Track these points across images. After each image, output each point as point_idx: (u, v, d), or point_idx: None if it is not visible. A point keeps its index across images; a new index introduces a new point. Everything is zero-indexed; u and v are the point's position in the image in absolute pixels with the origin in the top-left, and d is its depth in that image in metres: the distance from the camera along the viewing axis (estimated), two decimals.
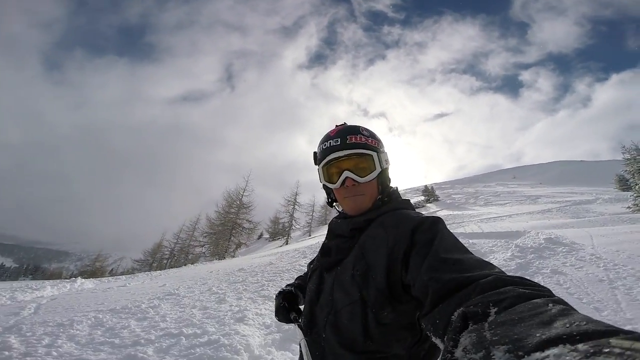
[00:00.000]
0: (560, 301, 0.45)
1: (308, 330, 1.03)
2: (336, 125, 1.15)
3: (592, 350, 0.30)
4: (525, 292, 0.49)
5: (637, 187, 11.70)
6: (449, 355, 0.45)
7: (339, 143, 1.04)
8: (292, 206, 34.84)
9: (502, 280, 0.56)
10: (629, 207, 12.09)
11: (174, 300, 5.37)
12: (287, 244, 30.30)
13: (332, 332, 0.96)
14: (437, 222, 0.89)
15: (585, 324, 0.34)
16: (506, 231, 9.82)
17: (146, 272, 13.83)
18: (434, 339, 0.59)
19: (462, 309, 0.52)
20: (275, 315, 1.20)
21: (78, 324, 3.65)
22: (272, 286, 6.46)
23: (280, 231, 39.65)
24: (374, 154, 1.04)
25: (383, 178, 1.08)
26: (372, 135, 1.08)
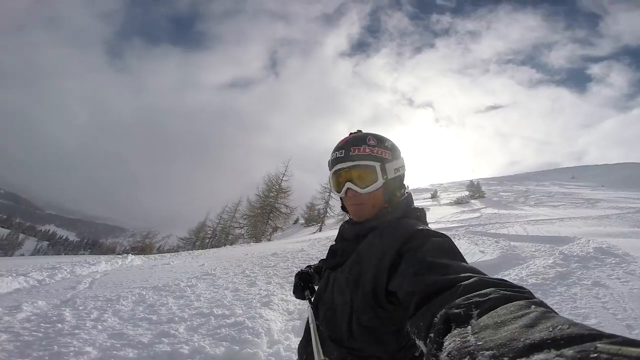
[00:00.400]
0: (541, 303, 0.46)
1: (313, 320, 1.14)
2: (350, 133, 1.18)
3: (578, 356, 0.30)
4: (506, 294, 0.49)
5: None
6: (433, 358, 0.45)
7: (342, 155, 1.09)
8: (328, 193, 35.05)
9: (484, 281, 0.58)
10: None
11: (209, 281, 5.79)
12: (320, 230, 30.75)
13: (326, 327, 1.07)
14: (431, 233, 0.90)
15: (568, 328, 0.34)
16: (553, 236, 9.14)
17: (188, 251, 14.84)
18: (417, 341, 0.60)
19: (444, 310, 0.52)
20: (293, 293, 1.41)
21: (124, 300, 4.11)
22: (299, 266, 6.69)
23: (315, 217, 40.19)
24: (377, 164, 1.06)
25: (390, 188, 1.10)
26: (379, 145, 1.10)
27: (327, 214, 34.87)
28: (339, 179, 1.13)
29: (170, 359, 2.57)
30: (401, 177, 1.15)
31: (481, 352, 0.36)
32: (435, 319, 0.53)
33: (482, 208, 25.75)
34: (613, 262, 5.37)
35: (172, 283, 5.30)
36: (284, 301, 4.67)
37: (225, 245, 27.00)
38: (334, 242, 1.27)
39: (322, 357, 0.87)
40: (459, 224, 14.41)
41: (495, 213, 20.66)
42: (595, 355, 0.29)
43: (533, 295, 0.51)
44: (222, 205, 39.25)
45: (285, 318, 3.94)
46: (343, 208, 1.22)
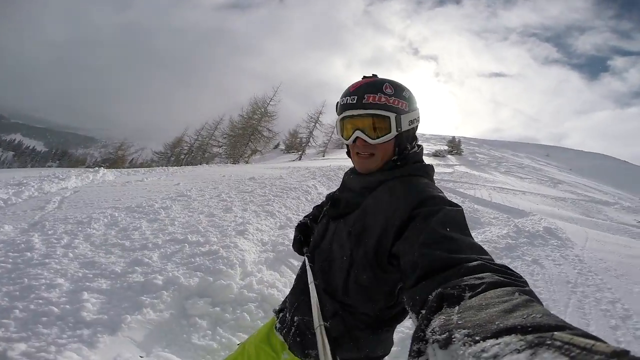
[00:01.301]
0: (529, 292, 0.49)
1: (303, 273, 1.16)
2: (363, 77, 1.08)
3: (536, 342, 0.32)
4: (499, 280, 0.53)
5: None
6: (421, 333, 0.50)
7: (355, 101, 1.01)
8: (314, 124, 34.53)
9: (485, 266, 0.60)
10: (639, 222, 11.65)
11: (184, 203, 5.75)
12: (300, 159, 30.96)
13: (322, 278, 1.08)
14: (445, 202, 0.88)
15: (540, 317, 0.37)
16: (513, 207, 9.82)
17: (163, 167, 14.57)
18: (410, 313, 0.64)
19: (440, 289, 0.56)
20: (292, 246, 1.34)
21: (95, 222, 3.98)
22: (277, 202, 6.69)
23: (296, 145, 40.11)
24: (393, 115, 0.99)
25: (401, 140, 1.04)
26: (397, 94, 1.02)
27: (309, 144, 34.83)
28: (348, 126, 1.07)
29: (143, 290, 2.59)
30: (414, 130, 1.10)
31: (458, 330, 0.41)
32: (430, 296, 0.56)
33: (456, 165, 26.85)
34: (555, 244, 5.75)
35: (146, 204, 5.23)
36: (259, 231, 4.76)
37: (201, 163, 26.79)
38: (334, 191, 1.24)
39: (322, 322, 0.83)
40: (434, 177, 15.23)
41: (467, 172, 21.60)
42: (550, 342, 0.31)
43: (526, 285, 0.54)
44: (202, 121, 38.01)
45: (259, 249, 4.06)
46: (348, 154, 1.14)
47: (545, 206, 12.68)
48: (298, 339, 1.09)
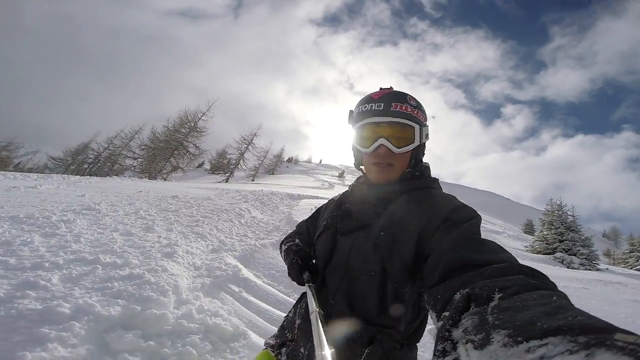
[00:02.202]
0: (564, 296, 0.48)
1: (316, 296, 1.00)
2: (381, 88, 1.06)
3: (593, 342, 0.31)
4: (532, 283, 0.51)
5: (540, 234, 13.74)
6: (447, 333, 0.49)
7: (381, 108, 0.98)
8: (247, 145, 33.61)
9: (513, 268, 0.58)
10: (525, 246, 14.39)
11: (92, 217, 4.81)
12: (227, 181, 29.58)
13: (343, 299, 0.95)
14: (474, 212, 0.88)
15: (587, 319, 0.36)
16: None
17: (63, 175, 12.39)
18: (430, 312, 0.63)
19: (467, 290, 0.54)
20: (289, 274, 1.11)
21: None
22: (207, 223, 6.16)
23: (223, 166, 38.45)
24: (417, 126, 0.99)
25: (418, 152, 1.04)
26: (418, 107, 1.02)
27: (239, 166, 33.68)
28: (370, 133, 1.01)
29: (43, 320, 1.86)
30: (426, 144, 1.10)
31: (497, 331, 0.40)
32: (456, 295, 0.55)
33: None
34: None
35: (40, 215, 4.19)
36: (189, 254, 4.16)
37: (109, 175, 23.59)
38: (346, 204, 1.12)
39: (326, 351, 0.68)
40: None
41: None
42: (610, 342, 0.30)
43: (557, 287, 0.52)
44: (117, 128, 33.91)
45: (192, 274, 3.48)
46: (356, 166, 1.12)
47: None
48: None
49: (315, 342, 0.71)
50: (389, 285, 0.89)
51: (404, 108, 0.98)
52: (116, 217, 5.16)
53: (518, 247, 13.99)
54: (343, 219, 1.07)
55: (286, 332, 1.13)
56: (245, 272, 4.20)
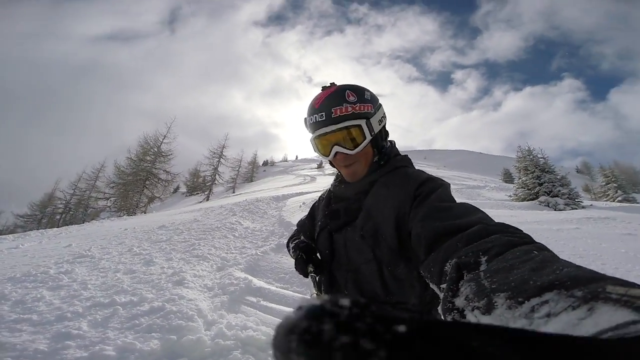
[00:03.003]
0: (544, 247, 0.51)
1: (329, 289, 1.13)
2: (322, 88, 1.07)
3: (589, 296, 0.31)
4: (510, 240, 0.53)
5: (519, 180, 14.15)
6: (450, 304, 0.48)
7: (324, 118, 1.00)
8: (218, 159, 32.91)
9: (488, 228, 0.61)
10: (509, 196, 14.72)
11: (89, 264, 4.74)
12: (207, 199, 29.03)
13: (354, 288, 1.03)
14: (439, 181, 0.95)
15: (574, 271, 0.37)
16: None
17: (39, 231, 11.87)
18: (431, 285, 0.64)
19: (455, 260, 0.56)
20: (295, 267, 1.16)
21: None
22: (203, 245, 6.16)
23: (200, 185, 37.58)
24: (363, 121, 1.00)
25: (377, 140, 1.06)
26: (360, 99, 1.01)
27: (216, 181, 33.01)
28: (323, 143, 1.05)
29: None
30: (384, 126, 1.12)
31: (496, 294, 0.40)
32: (446, 266, 0.57)
33: None
34: None
35: (36, 271, 4.10)
36: (198, 277, 4.22)
37: (84, 221, 22.63)
38: (332, 204, 1.19)
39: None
40: None
41: None
42: (604, 296, 0.30)
43: (533, 240, 0.55)
44: (77, 172, 32.28)
45: (208, 295, 3.56)
46: (332, 165, 1.14)
47: None
48: None
49: None
50: (384, 269, 0.97)
51: (344, 110, 0.99)
52: (112, 259, 5.10)
53: (503, 197, 14.54)
54: (332, 219, 1.13)
55: None
56: (257, 282, 4.30)
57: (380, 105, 1.09)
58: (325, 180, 27.31)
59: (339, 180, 1.17)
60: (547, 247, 0.51)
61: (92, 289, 3.48)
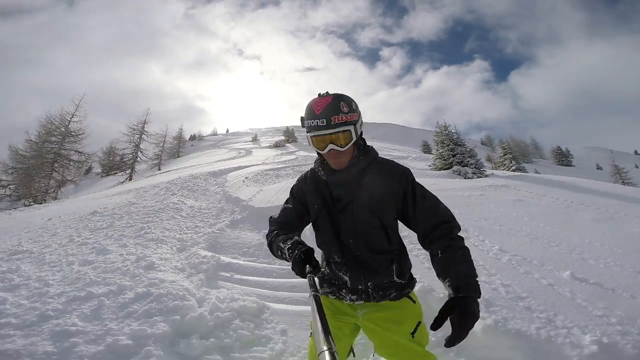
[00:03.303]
0: (464, 246, 1.33)
1: (340, 253, 1.47)
2: (319, 95, 1.37)
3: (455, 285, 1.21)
4: (453, 244, 1.32)
5: (437, 152, 16.08)
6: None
7: (324, 124, 1.31)
8: (139, 135, 29.85)
9: (450, 234, 1.35)
10: (429, 165, 16.72)
11: (33, 260, 4.34)
12: (130, 179, 26.60)
13: (365, 247, 1.45)
14: (408, 170, 1.52)
15: (459, 273, 1.24)
16: None
17: None
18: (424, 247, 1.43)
19: (434, 246, 1.35)
20: (292, 268, 1.28)
21: None
22: (154, 228, 5.98)
23: (118, 164, 33.95)
24: (352, 127, 1.34)
25: (358, 139, 1.42)
26: (350, 110, 1.34)
27: (138, 159, 30.12)
28: (321, 141, 1.38)
29: (120, 357, 2.04)
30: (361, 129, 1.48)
31: (440, 278, 1.30)
32: (431, 249, 1.38)
33: (296, 151, 29.58)
34: None
35: None
36: (165, 260, 4.25)
37: None
38: (330, 189, 1.51)
39: (330, 346, 0.78)
40: (284, 164, 16.48)
41: (307, 155, 24.25)
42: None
43: (462, 239, 1.37)
44: None
45: (184, 275, 3.67)
46: (320, 155, 1.49)
47: None
48: (380, 292, 1.47)
49: (316, 327, 0.87)
50: (387, 229, 1.46)
51: (340, 119, 1.31)
52: (57, 251, 4.71)
53: (423, 167, 16.40)
54: (336, 202, 1.47)
55: (331, 281, 1.55)
56: (224, 258, 4.49)
57: (360, 112, 1.43)
58: (262, 153, 27.16)
59: (328, 169, 1.47)
60: (464, 245, 1.32)
61: (56, 284, 3.31)
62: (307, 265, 1.25)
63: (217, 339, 2.42)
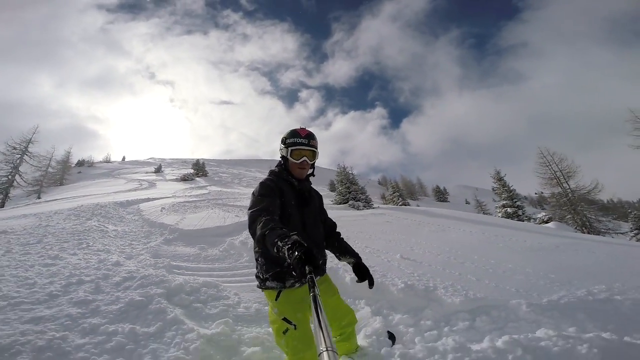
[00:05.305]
0: (341, 239, 2.43)
1: (306, 238, 1.95)
2: (301, 127, 2.13)
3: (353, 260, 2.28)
4: (339, 236, 2.41)
5: (338, 189, 19.99)
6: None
7: (307, 143, 2.05)
8: (20, 156, 25.83)
9: (335, 228, 2.43)
10: (332, 201, 20.48)
11: None
12: (2, 206, 22.79)
13: (318, 236, 2.17)
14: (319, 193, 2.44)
15: (348, 250, 2.34)
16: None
17: None
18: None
19: (334, 238, 2.40)
20: (292, 269, 1.29)
21: None
22: (92, 243, 6.34)
23: None
24: (318, 152, 2.11)
25: (314, 164, 2.18)
26: (316, 141, 2.12)
27: (15, 183, 25.83)
28: (299, 153, 2.06)
29: (137, 308, 3.35)
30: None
31: (341, 254, 2.36)
32: (330, 239, 2.41)
33: (208, 186, 29.56)
34: None
35: None
36: (126, 260, 5.15)
37: None
38: (298, 192, 2.15)
39: (329, 346, 0.84)
40: (197, 198, 16.87)
41: (220, 190, 24.82)
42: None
43: (339, 233, 2.49)
44: None
45: (151, 269, 4.76)
46: (282, 165, 2.17)
47: None
48: (323, 268, 2.23)
49: (315, 323, 0.97)
50: (325, 228, 2.28)
51: (315, 144, 2.06)
52: (13, 259, 4.87)
53: (327, 202, 19.53)
54: (302, 202, 2.10)
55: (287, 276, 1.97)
56: (172, 262, 5.52)
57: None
58: (168, 186, 26.74)
59: (286, 176, 2.11)
60: (341, 237, 2.38)
61: (38, 278, 3.97)
62: (307, 266, 1.25)
63: (196, 296, 3.78)
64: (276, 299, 1.95)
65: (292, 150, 2.05)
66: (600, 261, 5.01)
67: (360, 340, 2.62)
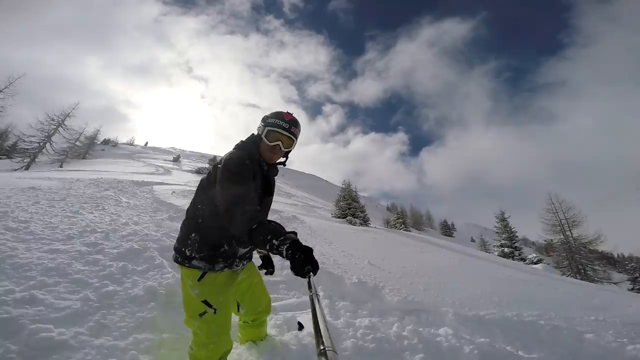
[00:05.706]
0: (270, 222, 1.48)
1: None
2: (288, 112, 1.92)
3: (282, 238, 1.33)
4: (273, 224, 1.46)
5: (339, 204, 20.80)
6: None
7: (288, 127, 1.87)
8: (56, 127, 27.62)
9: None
10: (332, 214, 21.32)
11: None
12: (27, 168, 24.32)
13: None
14: None
15: (278, 230, 1.40)
16: (277, 209, 14.85)
17: None
18: None
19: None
20: (291, 268, 1.25)
21: None
22: (107, 205, 7.00)
23: (5, 150, 30.21)
24: (296, 141, 1.95)
25: (289, 152, 2.01)
26: (300, 131, 1.93)
27: (44, 150, 27.52)
28: (276, 136, 1.88)
29: (133, 254, 4.10)
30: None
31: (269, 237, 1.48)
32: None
33: None
34: (301, 224, 10.37)
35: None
36: (137, 225, 5.90)
37: None
38: (266, 178, 2.00)
39: (329, 346, 0.80)
40: None
41: None
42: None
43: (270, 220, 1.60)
44: None
45: (160, 232, 5.53)
46: (254, 143, 1.95)
47: (289, 208, 18.73)
48: (248, 256, 2.12)
49: (315, 326, 0.88)
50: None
51: (295, 132, 1.88)
52: (37, 210, 5.91)
53: (328, 216, 20.18)
54: (267, 190, 2.01)
55: (220, 259, 1.88)
56: (171, 233, 6.30)
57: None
58: (182, 176, 27.14)
59: (258, 158, 1.91)
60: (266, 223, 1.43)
61: (63, 224, 4.81)
62: (307, 267, 1.23)
63: None
64: (199, 280, 1.84)
65: (269, 130, 1.88)
66: (554, 296, 5.40)
67: (270, 329, 2.74)
